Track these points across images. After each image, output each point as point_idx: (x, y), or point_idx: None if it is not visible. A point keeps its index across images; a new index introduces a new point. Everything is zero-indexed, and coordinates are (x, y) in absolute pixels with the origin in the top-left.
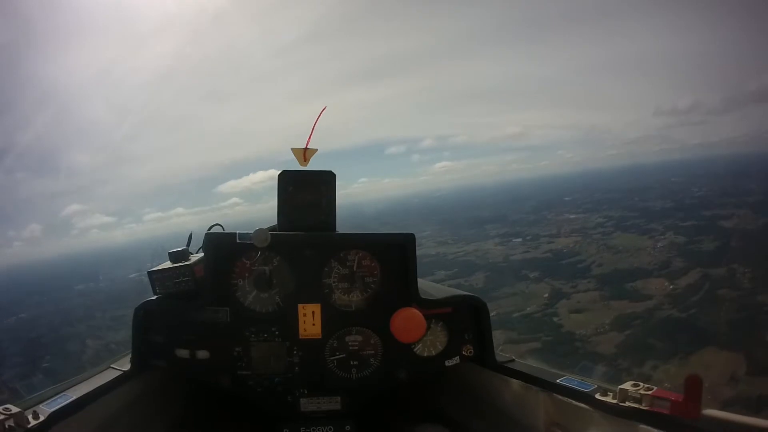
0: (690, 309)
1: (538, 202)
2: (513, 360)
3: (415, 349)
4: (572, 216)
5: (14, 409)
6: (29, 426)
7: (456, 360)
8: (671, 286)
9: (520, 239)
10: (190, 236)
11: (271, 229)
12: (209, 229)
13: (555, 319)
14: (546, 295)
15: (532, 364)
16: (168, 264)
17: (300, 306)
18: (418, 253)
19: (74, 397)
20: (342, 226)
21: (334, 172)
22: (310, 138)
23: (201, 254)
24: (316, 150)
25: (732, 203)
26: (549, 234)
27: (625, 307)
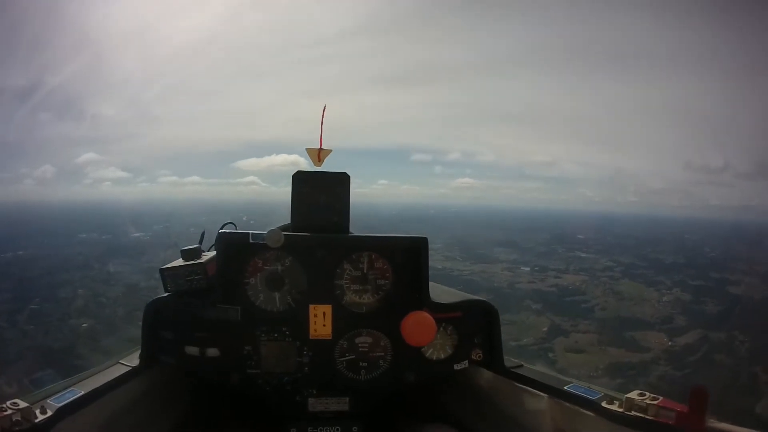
0: (685, 368)
1: (552, 235)
2: (522, 366)
3: (424, 353)
4: (583, 255)
5: (22, 404)
6: (36, 421)
7: (465, 364)
8: (670, 342)
9: (528, 268)
10: (203, 234)
11: (284, 228)
12: (222, 228)
13: (550, 354)
14: (545, 329)
15: (540, 371)
16: (180, 261)
17: (311, 306)
18: None
19: (82, 393)
20: (355, 226)
21: (349, 174)
22: (321, 138)
23: (214, 252)
24: (331, 151)
25: (742, 269)
26: (557, 269)
27: (621, 355)
